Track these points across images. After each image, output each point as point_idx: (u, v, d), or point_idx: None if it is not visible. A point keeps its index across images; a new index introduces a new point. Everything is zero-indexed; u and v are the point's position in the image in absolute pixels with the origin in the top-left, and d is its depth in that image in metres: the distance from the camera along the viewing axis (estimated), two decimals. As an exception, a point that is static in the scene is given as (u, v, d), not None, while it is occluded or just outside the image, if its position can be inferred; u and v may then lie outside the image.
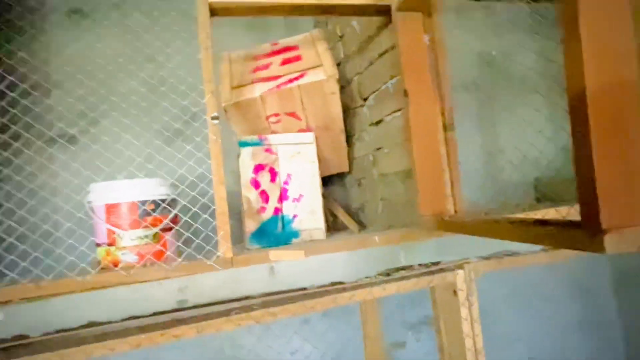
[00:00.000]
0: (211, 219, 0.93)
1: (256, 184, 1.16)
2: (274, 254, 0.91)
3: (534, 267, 1.83)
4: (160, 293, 0.88)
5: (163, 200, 0.99)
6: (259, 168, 1.17)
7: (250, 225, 1.12)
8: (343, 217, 1.36)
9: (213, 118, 0.91)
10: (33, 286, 0.78)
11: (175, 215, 1.03)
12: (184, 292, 0.89)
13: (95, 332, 0.81)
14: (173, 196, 1.03)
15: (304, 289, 0.92)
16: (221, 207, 0.90)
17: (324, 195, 1.23)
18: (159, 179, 1.01)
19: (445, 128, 1.06)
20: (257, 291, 0.90)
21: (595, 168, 0.47)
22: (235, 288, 0.90)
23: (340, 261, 0.95)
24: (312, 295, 0.90)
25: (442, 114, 1.06)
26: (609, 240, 0.46)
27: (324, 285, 0.92)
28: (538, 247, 1.06)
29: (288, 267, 0.93)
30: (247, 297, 0.90)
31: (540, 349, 1.83)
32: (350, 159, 1.43)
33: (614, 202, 0.48)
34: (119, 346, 0.78)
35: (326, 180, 1.48)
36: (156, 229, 0.97)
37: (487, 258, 1.01)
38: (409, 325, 1.65)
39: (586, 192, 0.49)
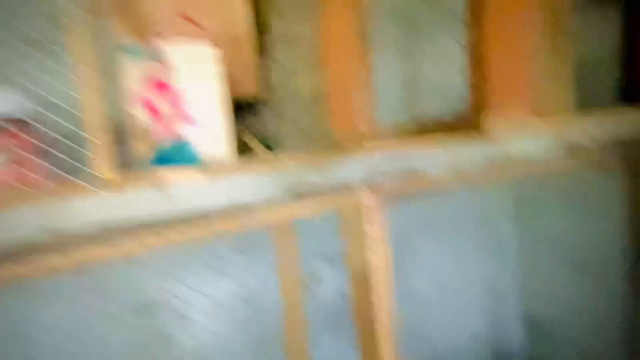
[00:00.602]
0: (88, 137, 0.78)
1: (146, 102, 1.01)
2: (166, 175, 0.79)
3: (442, 200, 1.94)
4: (25, 220, 0.73)
5: (18, 117, 0.81)
6: (149, 83, 1.01)
7: (142, 150, 0.98)
8: (255, 145, 1.27)
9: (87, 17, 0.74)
10: None
11: (40, 132, 0.86)
12: (56, 220, 0.75)
13: None
14: (34, 110, 0.85)
15: (207, 214, 0.83)
16: (96, 120, 0.75)
17: (233, 121, 1.12)
18: (15, 89, 0.83)
19: (361, 49, 1.00)
20: (149, 218, 0.79)
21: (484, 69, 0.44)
22: (121, 215, 0.78)
23: (246, 184, 0.87)
24: (216, 219, 0.82)
25: (359, 35, 0.99)
26: (492, 123, 0.43)
27: (229, 209, 0.84)
28: (445, 165, 1.07)
29: (187, 191, 0.83)
30: (138, 225, 0.79)
31: (448, 273, 1.98)
32: (263, 82, 1.32)
33: (499, 94, 0.45)
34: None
35: (238, 106, 1.37)
36: (15, 149, 0.80)
37: (396, 178, 1.00)
38: (326, 258, 1.67)
39: (476, 82, 0.46)
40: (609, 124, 1.42)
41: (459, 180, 1.09)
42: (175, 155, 0.99)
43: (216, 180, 0.82)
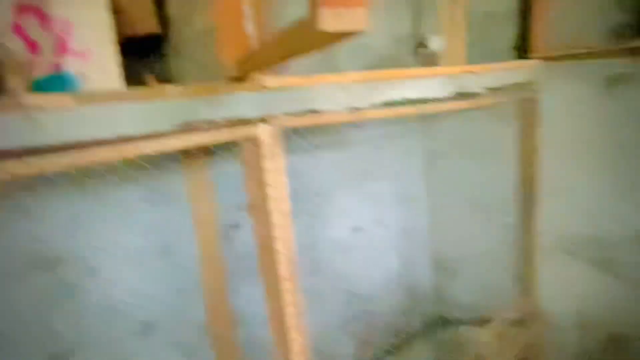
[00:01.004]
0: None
1: (19, 31, 0.91)
2: (31, 99, 0.73)
3: (359, 151, 2.01)
4: None
5: None
6: (21, 10, 0.91)
7: (16, 84, 0.90)
8: (152, 82, 1.21)
9: None
10: None
11: None
12: None
13: None
14: None
15: (81, 143, 0.78)
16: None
17: (131, 59, 1.05)
18: None
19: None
20: (12, 145, 0.73)
21: None
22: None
23: (128, 113, 0.83)
24: (92, 148, 0.78)
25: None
26: (326, 15, 0.44)
27: (107, 139, 0.80)
28: (343, 106, 1.10)
29: (58, 118, 0.77)
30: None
31: (365, 220, 2.08)
32: (161, 18, 1.24)
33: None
34: None
35: (135, 43, 1.28)
36: None
37: (293, 114, 1.01)
38: (243, 206, 1.67)
39: None
40: (503, 74, 1.54)
41: (359, 120, 1.13)
42: (52, 86, 0.92)
43: (94, 108, 0.78)
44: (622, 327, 1.64)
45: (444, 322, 2.28)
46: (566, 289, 1.77)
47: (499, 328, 1.75)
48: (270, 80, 0.95)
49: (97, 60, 0.98)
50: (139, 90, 0.83)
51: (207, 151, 1.41)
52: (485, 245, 2.04)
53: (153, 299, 1.50)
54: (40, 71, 0.94)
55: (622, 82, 1.52)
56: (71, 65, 0.96)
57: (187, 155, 1.41)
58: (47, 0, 0.92)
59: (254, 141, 0.95)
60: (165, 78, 1.30)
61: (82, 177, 1.31)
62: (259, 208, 1.01)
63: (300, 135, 1.41)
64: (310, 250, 1.92)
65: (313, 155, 1.85)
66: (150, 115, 0.84)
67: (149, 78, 1.23)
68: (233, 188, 1.61)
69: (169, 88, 0.84)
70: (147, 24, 1.22)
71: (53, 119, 0.74)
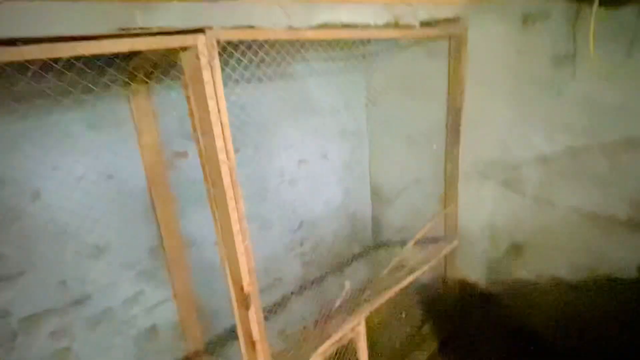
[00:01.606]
0: None
1: None
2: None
3: (304, 86, 2.06)
4: None
5: None
6: None
7: None
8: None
9: None
10: None
11: None
12: None
13: None
14: None
15: (14, 40, 0.78)
16: None
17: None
18: None
19: None
20: None
21: None
22: None
23: (61, 13, 0.82)
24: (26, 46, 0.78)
25: None
26: None
27: (41, 38, 0.80)
28: (281, 24, 1.14)
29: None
30: None
31: (310, 153, 2.18)
32: None
33: None
34: None
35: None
36: None
37: (230, 28, 1.04)
38: (188, 135, 1.69)
39: None
40: (435, 8, 1.63)
41: (296, 39, 1.18)
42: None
43: (26, 4, 0.77)
44: (521, 235, 1.92)
45: (380, 245, 2.52)
46: (480, 207, 2.02)
47: (421, 242, 1.98)
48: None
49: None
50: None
51: (150, 75, 1.40)
52: (417, 174, 2.23)
53: (102, 223, 1.52)
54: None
55: (537, 19, 1.67)
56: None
57: (131, 78, 1.40)
58: None
59: (192, 52, 0.98)
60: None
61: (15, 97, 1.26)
62: (201, 122, 1.06)
63: (244, 66, 1.44)
64: (257, 181, 2.00)
65: (258, 87, 1.87)
66: (85, 16, 0.85)
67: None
68: (178, 116, 1.63)
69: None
70: None
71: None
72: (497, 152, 1.89)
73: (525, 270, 1.95)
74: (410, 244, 1.99)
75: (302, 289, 2.26)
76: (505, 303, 2.05)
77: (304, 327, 1.94)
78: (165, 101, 1.56)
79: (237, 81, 1.58)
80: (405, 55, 2.07)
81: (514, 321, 2.04)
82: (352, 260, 2.44)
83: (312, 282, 2.29)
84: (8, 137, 1.29)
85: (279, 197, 2.11)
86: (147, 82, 1.45)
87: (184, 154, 1.69)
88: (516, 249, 1.95)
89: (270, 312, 2.07)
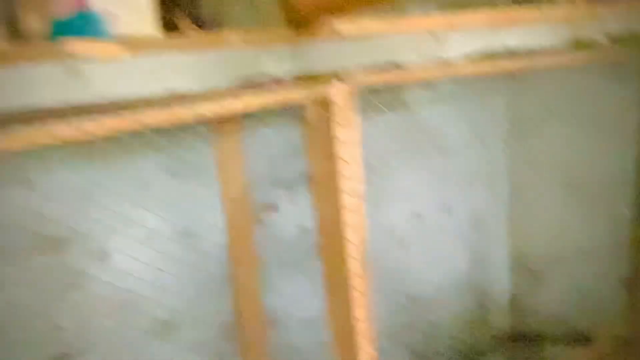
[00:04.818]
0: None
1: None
2: (75, 46, 0.79)
3: (423, 115, 2.04)
4: None
5: None
6: None
7: (34, 23, 0.96)
8: (188, 26, 1.26)
9: None
10: None
11: None
12: None
13: None
14: None
15: (131, 101, 0.85)
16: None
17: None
18: None
19: None
20: (52, 101, 0.80)
21: None
22: (13, 98, 0.78)
23: (180, 65, 0.89)
24: (140, 107, 0.84)
25: None
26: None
27: (158, 96, 0.86)
28: (431, 57, 1.13)
29: (103, 70, 0.83)
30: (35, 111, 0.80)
31: (427, 204, 2.14)
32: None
33: None
34: None
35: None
36: None
37: (369, 68, 1.05)
38: (282, 183, 1.74)
39: None
40: (626, 15, 1.53)
41: (446, 75, 1.16)
42: (78, 28, 0.97)
43: (140, 57, 0.84)
44: None
45: (522, 337, 2.35)
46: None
47: (603, 349, 1.80)
48: (345, 25, 0.98)
49: (129, -4, 1.03)
50: (193, 38, 0.88)
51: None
52: (585, 241, 2.07)
53: (172, 292, 1.60)
54: (62, 9, 1.00)
55: None
56: (98, 2, 1.01)
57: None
58: None
59: (324, 103, 1.00)
60: (199, 22, 1.33)
61: (92, 143, 1.38)
62: (324, 185, 1.07)
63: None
64: (358, 240, 1.99)
65: (365, 117, 1.88)
66: (206, 69, 0.90)
67: (183, 21, 1.28)
68: (271, 159, 1.68)
69: (228, 35, 0.89)
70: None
71: (101, 72, 0.80)
72: None
73: None
74: (577, 345, 1.83)
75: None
76: None
77: None
78: (252, 139, 1.63)
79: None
80: (574, 75, 1.96)
81: None
82: (479, 357, 2.31)
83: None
84: (82, 186, 1.41)
85: (383, 263, 2.07)
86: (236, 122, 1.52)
87: (273, 207, 1.73)
88: None
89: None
